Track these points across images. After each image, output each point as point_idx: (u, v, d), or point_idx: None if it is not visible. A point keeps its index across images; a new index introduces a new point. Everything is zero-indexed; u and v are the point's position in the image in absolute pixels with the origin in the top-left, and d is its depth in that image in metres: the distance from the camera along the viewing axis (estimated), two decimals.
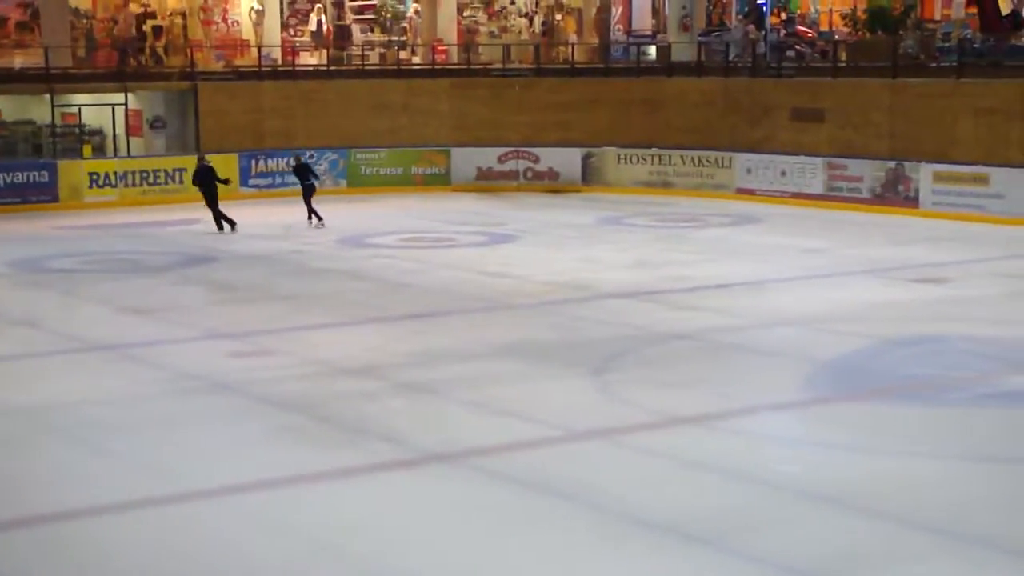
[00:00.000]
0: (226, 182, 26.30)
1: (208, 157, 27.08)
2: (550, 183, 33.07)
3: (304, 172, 26.78)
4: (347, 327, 17.19)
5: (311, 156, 31.70)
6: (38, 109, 31.33)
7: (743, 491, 10.63)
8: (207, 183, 25.66)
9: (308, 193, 26.52)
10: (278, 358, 15.27)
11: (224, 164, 31.31)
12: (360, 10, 37.88)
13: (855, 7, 34.77)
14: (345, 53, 35.90)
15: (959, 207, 26.77)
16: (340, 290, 19.88)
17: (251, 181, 31.64)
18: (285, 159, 30.89)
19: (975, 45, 29.17)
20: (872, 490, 10.57)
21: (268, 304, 18.76)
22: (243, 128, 32.18)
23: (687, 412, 12.79)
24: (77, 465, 11.36)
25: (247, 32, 35.02)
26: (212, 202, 25.73)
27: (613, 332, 16.52)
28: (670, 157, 32.13)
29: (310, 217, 26.41)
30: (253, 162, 31.75)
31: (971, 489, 10.75)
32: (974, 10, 29.91)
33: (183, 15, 34.56)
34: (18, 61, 31.26)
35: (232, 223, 25.64)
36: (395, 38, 37.15)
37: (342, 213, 28.49)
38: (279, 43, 34.92)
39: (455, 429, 12.33)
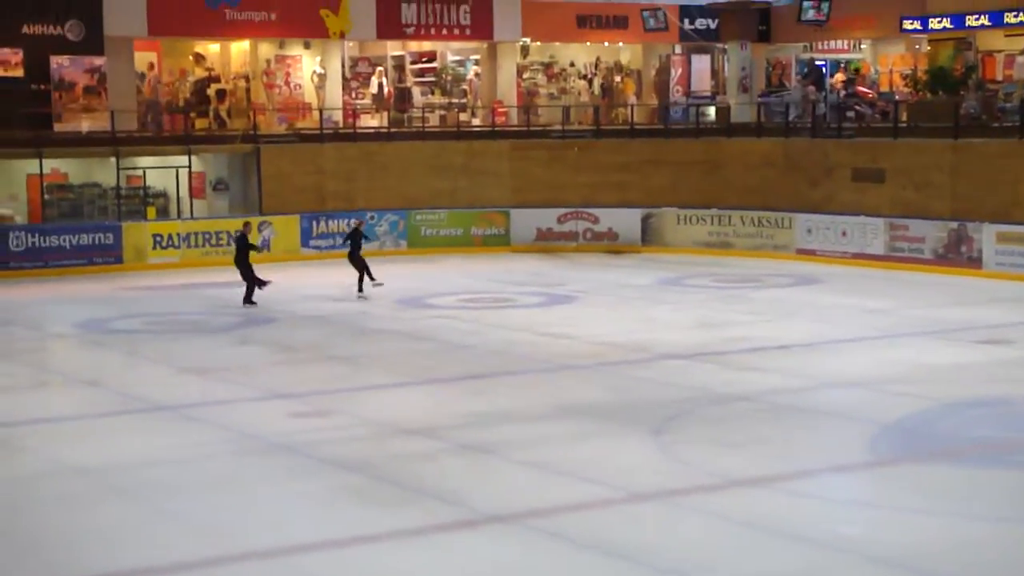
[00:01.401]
0: (257, 248, 25.62)
1: (249, 222, 27.06)
2: (609, 243, 33.11)
3: (356, 239, 25.78)
4: (405, 388, 17.24)
5: (372, 217, 31.97)
6: (103, 172, 31.87)
7: (805, 554, 10.51)
8: (240, 250, 24.57)
9: (359, 263, 25.52)
10: (337, 418, 15.34)
11: (285, 226, 31.68)
12: (421, 72, 38.30)
13: (916, 68, 34.69)
14: (406, 115, 36.29)
15: (1023, 268, 26.48)
16: (398, 351, 19.96)
17: (312, 242, 31.93)
18: (346, 220, 31.14)
19: None
20: (936, 553, 10.42)
21: (327, 365, 18.86)
22: (304, 190, 32.53)
23: (747, 473, 12.70)
24: (136, 525, 11.44)
25: (309, 95, 35.50)
26: (246, 270, 24.51)
27: (672, 393, 16.46)
28: (730, 218, 32.09)
29: (366, 278, 25.47)
30: (314, 223, 32.05)
31: None
32: None
33: (246, 78, 35.12)
34: (85, 125, 31.86)
35: (262, 283, 24.54)
36: (455, 100, 37.50)
37: (402, 274, 28.66)
38: (340, 106, 35.36)
39: (513, 489, 12.31)
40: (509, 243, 33.37)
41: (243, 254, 24.41)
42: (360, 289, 25.33)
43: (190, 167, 31.93)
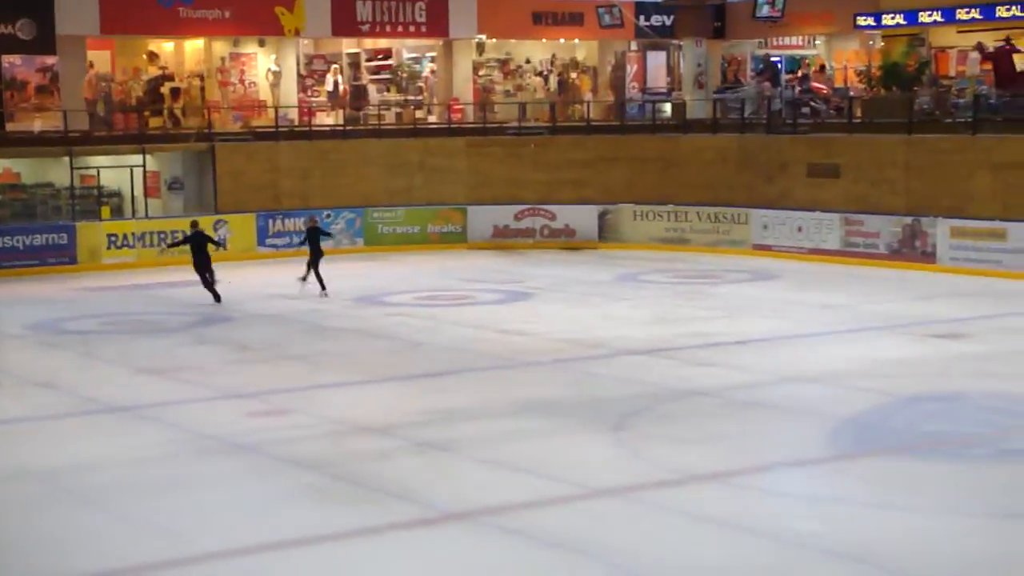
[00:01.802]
0: (219, 246, 25.48)
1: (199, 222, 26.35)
2: (567, 240, 33.13)
3: (316, 236, 25.48)
4: (363, 386, 17.18)
5: (328, 216, 31.83)
6: (57, 172, 31.60)
7: (763, 549, 10.54)
8: (200, 249, 24.46)
9: (316, 260, 25.29)
10: (294, 417, 15.27)
11: (241, 224, 31.49)
12: (376, 70, 38.17)
13: (870, 64, 34.93)
14: (361, 113, 36.16)
15: (976, 262, 26.70)
16: (356, 349, 19.89)
17: (268, 241, 31.77)
18: (302, 219, 31.03)
19: (990, 101, 29.22)
20: (893, 547, 10.48)
21: (284, 363, 18.78)
22: (260, 188, 32.37)
23: (705, 469, 12.73)
24: (90, 529, 11.33)
25: (264, 93, 35.31)
26: (204, 268, 24.44)
27: (631, 389, 16.48)
28: (686, 214, 32.19)
29: (310, 281, 25.18)
30: (270, 222, 31.89)
31: (992, 546, 10.65)
32: (989, 66, 29.96)
33: (201, 76, 34.88)
34: (37, 124, 31.56)
35: (216, 296, 24.42)
36: (411, 97, 37.40)
37: (359, 272, 28.58)
38: (296, 103, 35.21)
39: (471, 487, 12.28)
40: (466, 240, 33.33)
41: (204, 252, 24.32)
42: (304, 278, 25.14)
43: (144, 166, 31.69)
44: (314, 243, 25.41)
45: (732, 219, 31.44)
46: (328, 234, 26.70)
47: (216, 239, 26.09)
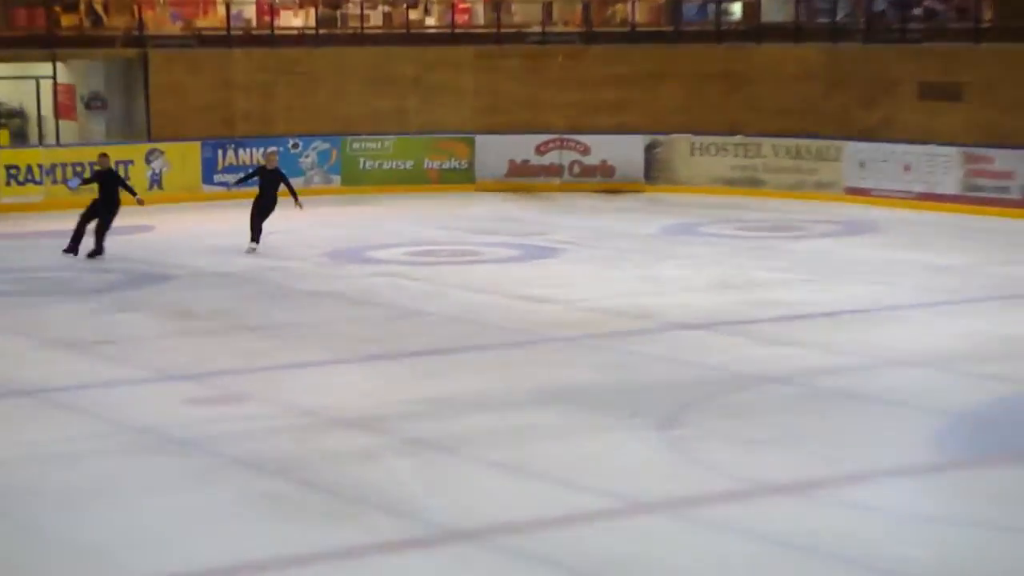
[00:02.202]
0: (137, 198, 25.01)
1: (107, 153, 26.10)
2: (603, 181, 33.13)
3: (273, 183, 25.28)
4: (340, 366, 17.24)
5: (295, 145, 31.89)
6: None
7: None
8: (109, 190, 24.42)
9: (265, 213, 25.17)
10: (251, 406, 15.33)
11: (182, 157, 31.56)
12: None
13: None
14: (339, 13, 36.10)
15: None
16: (331, 318, 19.95)
17: (217, 177, 31.85)
18: (261, 150, 31.06)
19: None
20: None
21: (238, 336, 18.84)
22: (207, 109, 32.42)
23: (780, 478, 12.77)
24: None
25: None
26: (107, 215, 24.47)
27: (684, 374, 16.52)
28: (759, 147, 32.16)
29: (254, 238, 25.14)
30: (220, 152, 31.98)
31: None
32: None
33: None
34: None
35: (96, 252, 24.29)
36: None
37: (335, 220, 28.62)
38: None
39: (480, 499, 12.34)
40: (473, 180, 33.36)
41: (113, 195, 24.21)
42: (254, 239, 24.98)
43: (55, 78, 31.74)
44: (268, 191, 25.15)
45: (819, 154, 31.39)
46: (290, 187, 25.47)
47: (129, 186, 25.45)
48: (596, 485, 12.57)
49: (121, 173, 27.88)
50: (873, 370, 16.75)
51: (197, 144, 31.81)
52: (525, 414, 14.96)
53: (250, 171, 26.90)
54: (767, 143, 32.10)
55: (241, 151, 32.01)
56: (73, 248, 24.14)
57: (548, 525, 11.66)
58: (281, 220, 25.97)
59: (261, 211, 25.27)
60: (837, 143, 31.19)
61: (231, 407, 15.31)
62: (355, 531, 11.58)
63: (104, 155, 25.71)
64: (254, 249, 24.91)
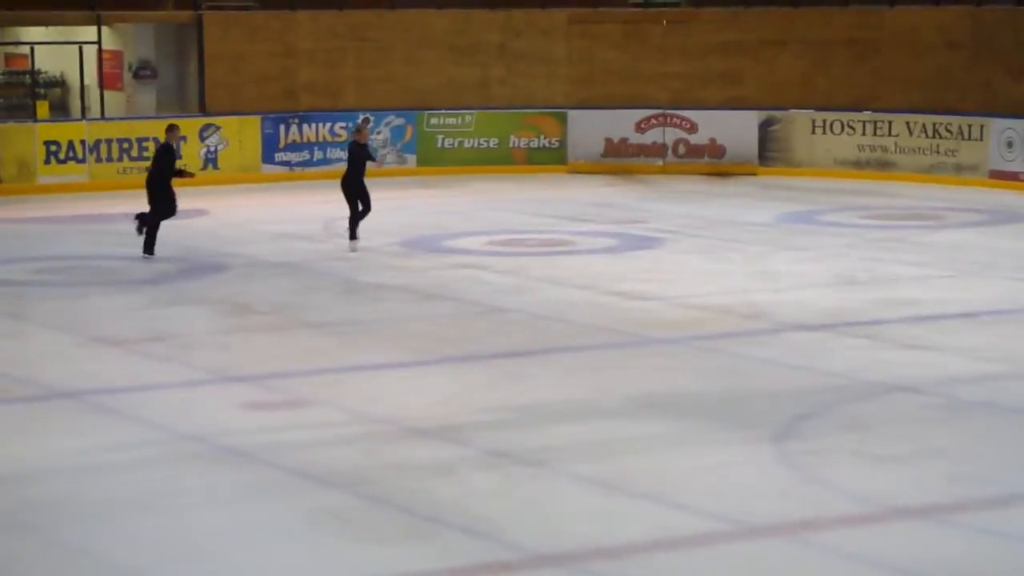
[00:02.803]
0: (187, 174, 24.74)
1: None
2: (711, 162, 33.04)
3: (361, 158, 24.38)
4: (413, 369, 17.29)
5: (365, 120, 32.00)
6: None
7: None
8: (161, 170, 23.93)
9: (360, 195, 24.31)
10: (315, 412, 15.41)
11: (239, 132, 31.75)
12: None
13: None
14: None
15: None
16: (404, 315, 20.03)
17: (279, 156, 32.01)
18: (328, 125, 31.21)
19: None
20: None
21: (300, 334, 18.94)
22: (267, 80, 32.59)
23: (910, 500, 12.68)
24: (28, 564, 11.52)
25: None
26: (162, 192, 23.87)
27: (802, 380, 16.46)
28: (890, 124, 31.94)
29: (353, 232, 24.47)
30: (282, 128, 32.12)
31: None
32: None
33: None
34: None
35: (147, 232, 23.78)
36: None
37: (410, 203, 28.68)
38: None
39: (570, 519, 12.34)
40: (565, 160, 33.36)
41: (163, 176, 23.80)
42: (353, 235, 24.42)
43: (100, 43, 31.98)
44: (356, 168, 24.31)
45: (960, 133, 31.15)
46: (372, 158, 25.03)
47: (182, 167, 25.13)
48: (701, 505, 12.54)
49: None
50: (1018, 379, 16.61)
51: (256, 119, 31.98)
52: (620, 425, 14.94)
53: (346, 148, 25.17)
54: (899, 120, 31.87)
55: (306, 127, 32.14)
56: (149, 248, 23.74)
57: (646, 549, 11.65)
58: (344, 203, 25.99)
59: (351, 196, 24.22)
60: (981, 120, 30.92)
61: (293, 413, 15.39)
62: (431, 553, 11.61)
63: (172, 126, 24.88)
64: (355, 250, 24.18)
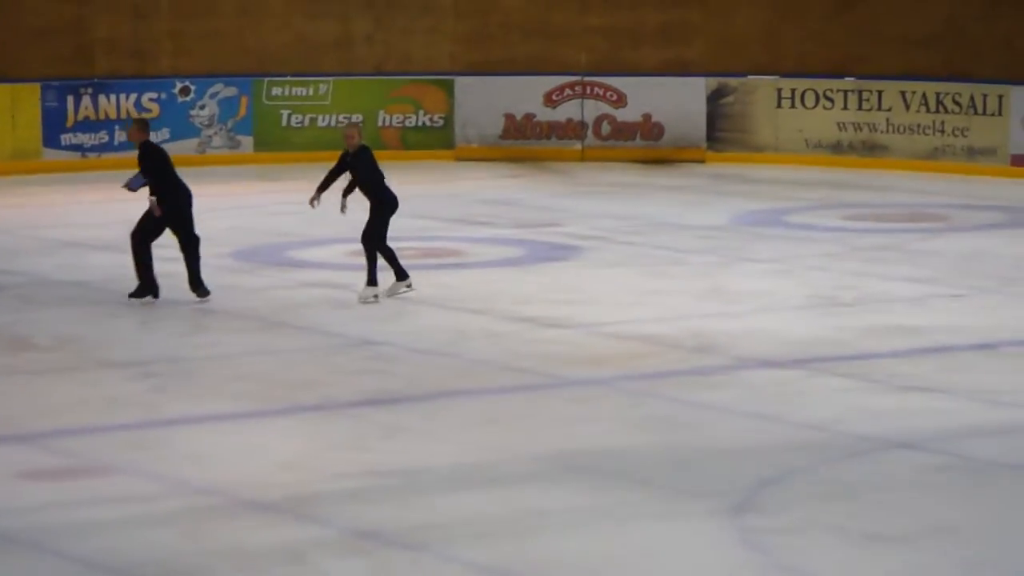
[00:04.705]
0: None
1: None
2: (646, 145, 33.18)
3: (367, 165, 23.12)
4: (250, 422, 17.26)
5: (184, 90, 31.93)
6: None
7: None
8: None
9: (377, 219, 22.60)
10: (117, 482, 15.32)
11: (12, 106, 31.58)
12: None
13: None
14: None
15: None
16: (237, 351, 20.00)
17: (66, 138, 31.89)
18: (132, 96, 31.16)
19: None
20: None
21: (96, 377, 18.85)
22: (50, 33, 32.44)
23: None
24: None
25: None
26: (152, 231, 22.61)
27: (768, 434, 16.55)
28: (880, 95, 32.18)
29: (371, 279, 22.47)
30: (71, 101, 32.00)
31: None
32: None
33: None
34: None
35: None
36: None
37: (244, 201, 28.62)
38: None
39: None
40: (452, 144, 33.43)
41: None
42: (370, 281, 22.45)
43: None
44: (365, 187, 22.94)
45: (972, 106, 31.40)
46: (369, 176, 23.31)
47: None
48: None
49: None
50: None
51: (35, 87, 31.82)
52: (526, 494, 14.94)
53: (333, 166, 24.06)
54: (893, 89, 32.08)
55: (103, 99, 32.02)
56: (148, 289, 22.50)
57: None
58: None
59: (373, 222, 22.71)
60: (999, 89, 31.19)
61: (87, 483, 15.29)
62: None
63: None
64: (375, 298, 22.35)
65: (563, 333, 20.40)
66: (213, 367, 19.30)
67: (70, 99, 31.92)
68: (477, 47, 33.95)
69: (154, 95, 31.55)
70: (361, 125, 27.06)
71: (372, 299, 22.09)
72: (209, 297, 22.12)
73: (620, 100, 33.32)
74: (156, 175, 22.21)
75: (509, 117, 33.46)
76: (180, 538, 13.89)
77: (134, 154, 24.80)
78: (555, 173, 32.20)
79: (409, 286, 22.34)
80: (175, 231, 22.20)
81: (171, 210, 21.90)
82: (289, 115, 33.19)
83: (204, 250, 24.76)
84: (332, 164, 23.12)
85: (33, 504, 14.68)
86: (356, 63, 33.69)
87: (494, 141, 33.47)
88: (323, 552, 13.58)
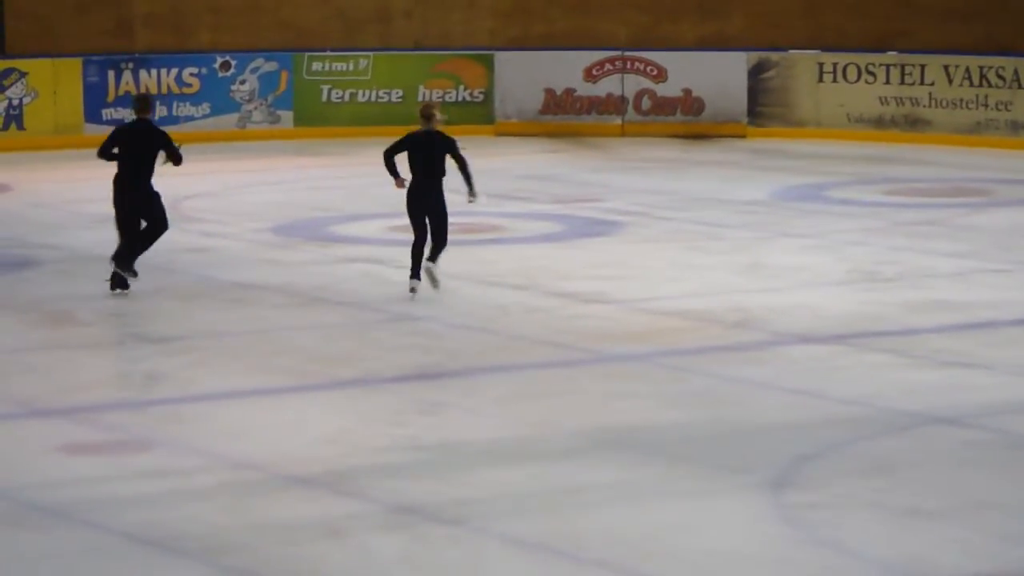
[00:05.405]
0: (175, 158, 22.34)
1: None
2: (686, 120, 33.13)
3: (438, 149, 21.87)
4: (290, 397, 17.29)
5: (224, 65, 31.95)
6: None
7: None
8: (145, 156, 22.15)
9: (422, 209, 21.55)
10: (157, 456, 15.36)
11: (53, 81, 31.60)
12: None
13: None
14: None
15: None
16: (277, 326, 20.05)
17: (107, 112, 31.91)
18: (174, 71, 31.17)
19: None
20: None
21: (137, 352, 18.90)
22: (91, 8, 32.46)
23: (955, 569, 12.75)
24: None
25: None
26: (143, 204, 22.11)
27: (807, 410, 16.56)
28: (922, 70, 32.09)
29: (415, 272, 21.26)
30: (112, 75, 32.01)
31: None
32: None
33: None
34: None
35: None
36: None
37: (284, 176, 28.63)
38: None
39: None
40: (491, 119, 33.40)
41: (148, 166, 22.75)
42: (414, 274, 21.24)
43: None
44: (426, 174, 21.77)
45: (1016, 80, 31.32)
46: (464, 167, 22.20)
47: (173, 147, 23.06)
48: (678, 572, 12.57)
49: None
50: None
51: (77, 62, 31.83)
52: (566, 469, 14.95)
53: (393, 144, 23.13)
54: (935, 63, 32.00)
55: (144, 74, 32.04)
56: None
57: None
58: (197, 176, 26.01)
59: (422, 216, 21.65)
60: None
61: (127, 458, 15.33)
62: None
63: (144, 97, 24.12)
64: (414, 291, 21.17)
65: (603, 308, 20.40)
66: (253, 342, 19.33)
67: (111, 74, 31.95)
68: (517, 22, 33.93)
69: (194, 70, 31.58)
70: (438, 103, 26.26)
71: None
72: (132, 281, 21.12)
73: (660, 75, 33.29)
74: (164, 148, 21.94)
75: (549, 92, 33.45)
76: (220, 512, 13.93)
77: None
78: (595, 148, 32.19)
79: (414, 289, 21.10)
80: (143, 215, 21.79)
81: (142, 195, 21.45)
82: (329, 90, 33.20)
83: (244, 225, 24.87)
84: (384, 140, 22.40)
85: (74, 478, 14.74)
86: (395, 38, 33.70)
87: (534, 116, 33.45)
88: (362, 527, 13.61)
